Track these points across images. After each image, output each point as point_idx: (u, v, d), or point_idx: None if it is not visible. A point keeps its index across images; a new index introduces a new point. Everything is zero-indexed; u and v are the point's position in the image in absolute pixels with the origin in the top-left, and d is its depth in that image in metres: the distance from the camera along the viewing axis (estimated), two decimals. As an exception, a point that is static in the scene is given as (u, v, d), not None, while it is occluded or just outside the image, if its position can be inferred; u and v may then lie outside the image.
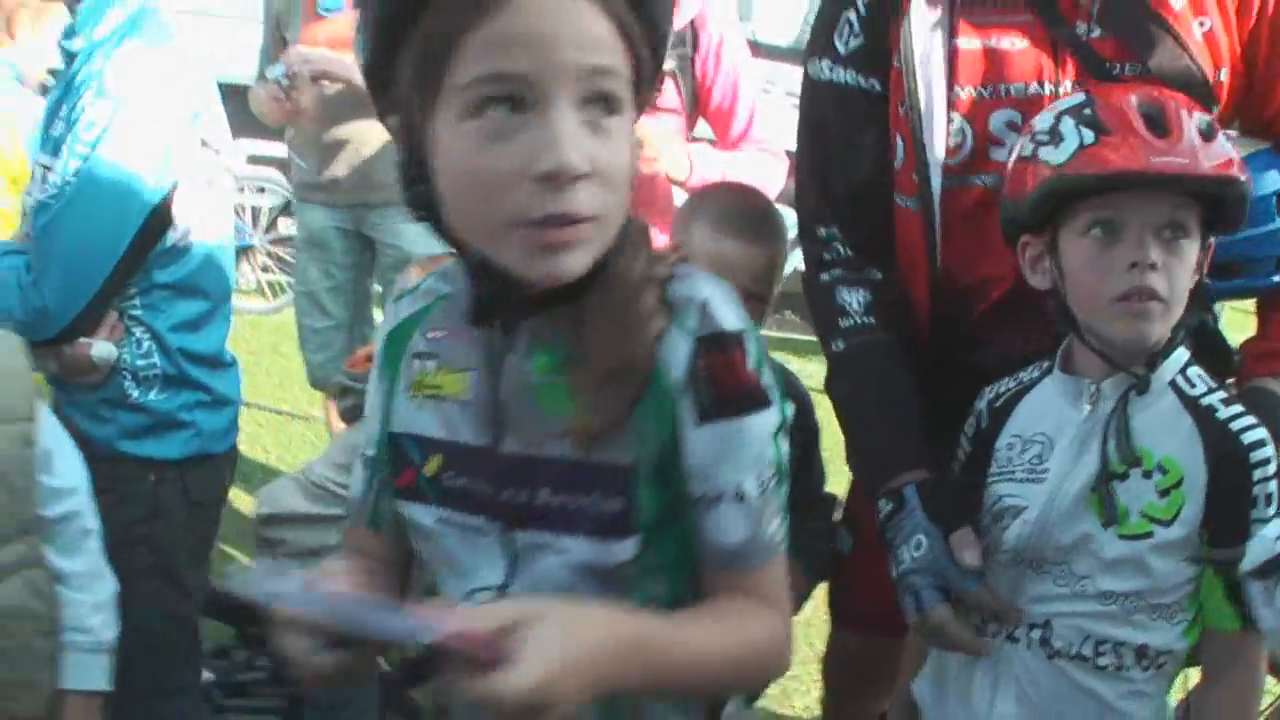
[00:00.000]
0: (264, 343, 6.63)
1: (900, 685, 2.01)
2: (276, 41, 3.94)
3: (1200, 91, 1.79)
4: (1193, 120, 1.60)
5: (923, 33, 1.89)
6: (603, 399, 1.17)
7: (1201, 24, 1.83)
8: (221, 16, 7.58)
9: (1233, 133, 1.82)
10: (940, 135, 1.90)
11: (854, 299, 1.98)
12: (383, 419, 1.32)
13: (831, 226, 2.04)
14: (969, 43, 1.89)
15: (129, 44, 2.29)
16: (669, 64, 2.87)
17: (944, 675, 1.83)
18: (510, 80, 1.07)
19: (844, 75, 1.98)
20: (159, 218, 2.30)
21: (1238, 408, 1.65)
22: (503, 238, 1.12)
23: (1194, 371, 1.68)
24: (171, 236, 2.38)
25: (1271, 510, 1.58)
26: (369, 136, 3.81)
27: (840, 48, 1.97)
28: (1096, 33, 1.85)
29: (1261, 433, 1.63)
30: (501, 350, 1.23)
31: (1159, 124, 1.59)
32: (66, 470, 2.05)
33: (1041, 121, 1.70)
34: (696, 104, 3.13)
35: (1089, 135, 1.61)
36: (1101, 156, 1.59)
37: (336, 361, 3.98)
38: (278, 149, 7.19)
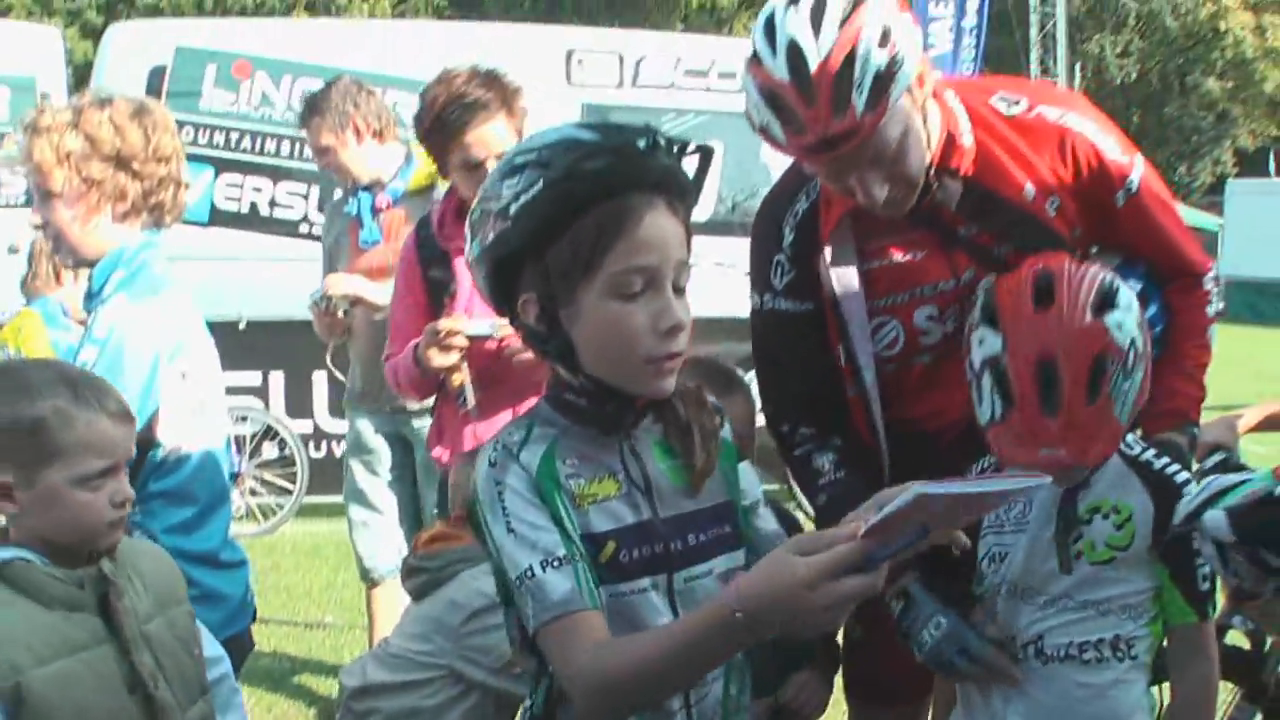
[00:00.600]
0: (264, 564, 6.95)
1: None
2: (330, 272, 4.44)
3: (1063, 248, 2.33)
4: (1085, 369, 2.11)
5: (839, 264, 2.43)
6: (704, 460, 1.79)
7: (1052, 203, 2.39)
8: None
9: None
10: (864, 340, 2.46)
11: (825, 460, 2.50)
12: (560, 528, 1.72)
13: (793, 422, 2.57)
14: (880, 262, 2.44)
15: (116, 298, 2.70)
16: None
17: (970, 705, 2.32)
18: (645, 270, 1.66)
19: (783, 304, 2.52)
20: (142, 439, 2.55)
21: (1166, 458, 2.22)
22: (634, 369, 1.71)
23: (1130, 437, 2.25)
24: (159, 453, 2.72)
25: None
26: None
27: (776, 283, 2.52)
28: (975, 229, 2.41)
29: (1185, 473, 2.21)
30: (628, 450, 1.80)
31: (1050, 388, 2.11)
32: (209, 640, 2.40)
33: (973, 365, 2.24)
34: None
35: (995, 408, 2.17)
36: (1004, 436, 2.17)
37: (386, 553, 4.45)
38: (253, 378, 7.75)
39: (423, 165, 4.15)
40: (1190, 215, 21.69)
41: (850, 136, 2.16)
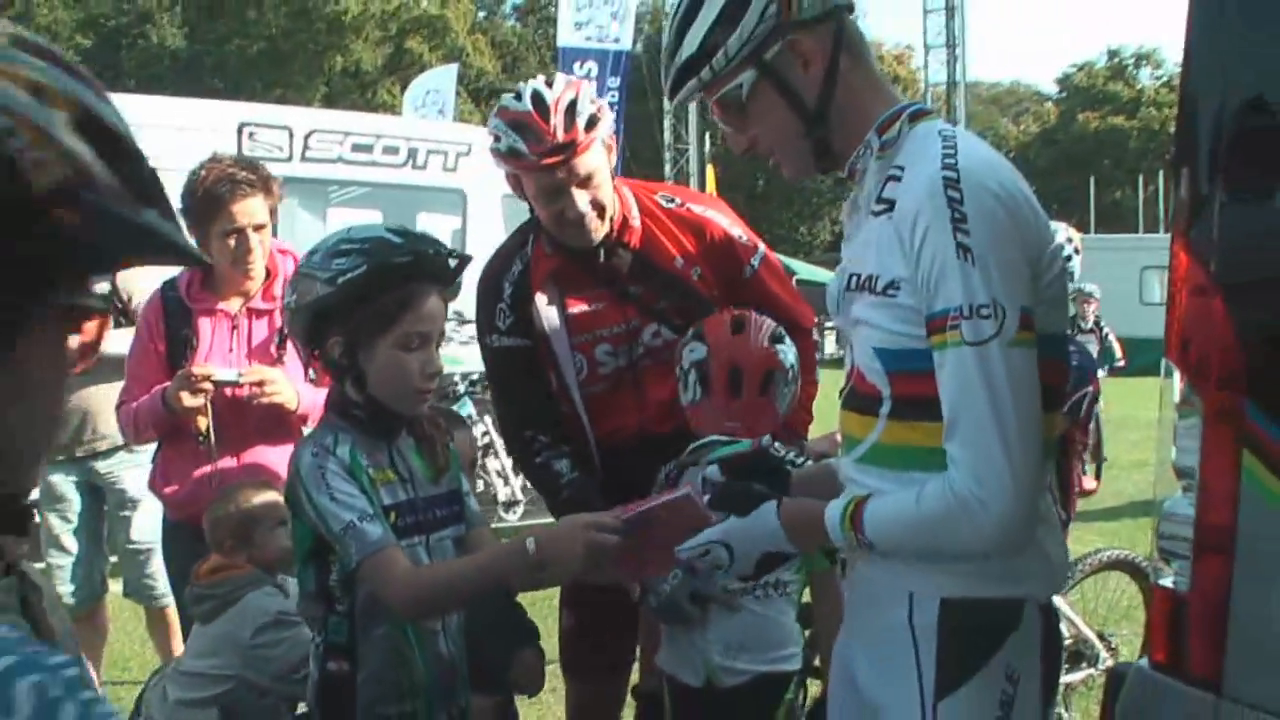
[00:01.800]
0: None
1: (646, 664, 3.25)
2: None
3: (706, 308, 3.17)
4: (757, 376, 3.00)
5: (546, 310, 3.22)
6: (445, 463, 2.68)
7: (695, 272, 3.24)
8: None
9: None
10: (569, 368, 3.24)
11: (562, 464, 3.23)
12: (367, 497, 2.50)
13: (532, 430, 3.28)
14: (572, 310, 3.23)
15: None
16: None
17: (676, 645, 3.08)
18: (422, 334, 2.50)
19: (507, 340, 3.28)
20: None
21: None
22: (406, 396, 2.57)
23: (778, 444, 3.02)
24: None
25: None
26: (93, 399, 4.78)
27: (501, 325, 3.29)
28: (641, 289, 3.23)
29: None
30: (393, 452, 2.62)
31: (735, 385, 2.98)
32: None
33: (681, 365, 3.08)
34: None
35: (698, 391, 3.04)
36: (699, 412, 3.04)
37: (82, 591, 5.07)
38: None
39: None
40: (810, 271, 23.45)
41: (572, 147, 3.00)
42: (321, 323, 2.54)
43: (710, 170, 23.12)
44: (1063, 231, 4.47)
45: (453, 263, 2.60)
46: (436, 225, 9.91)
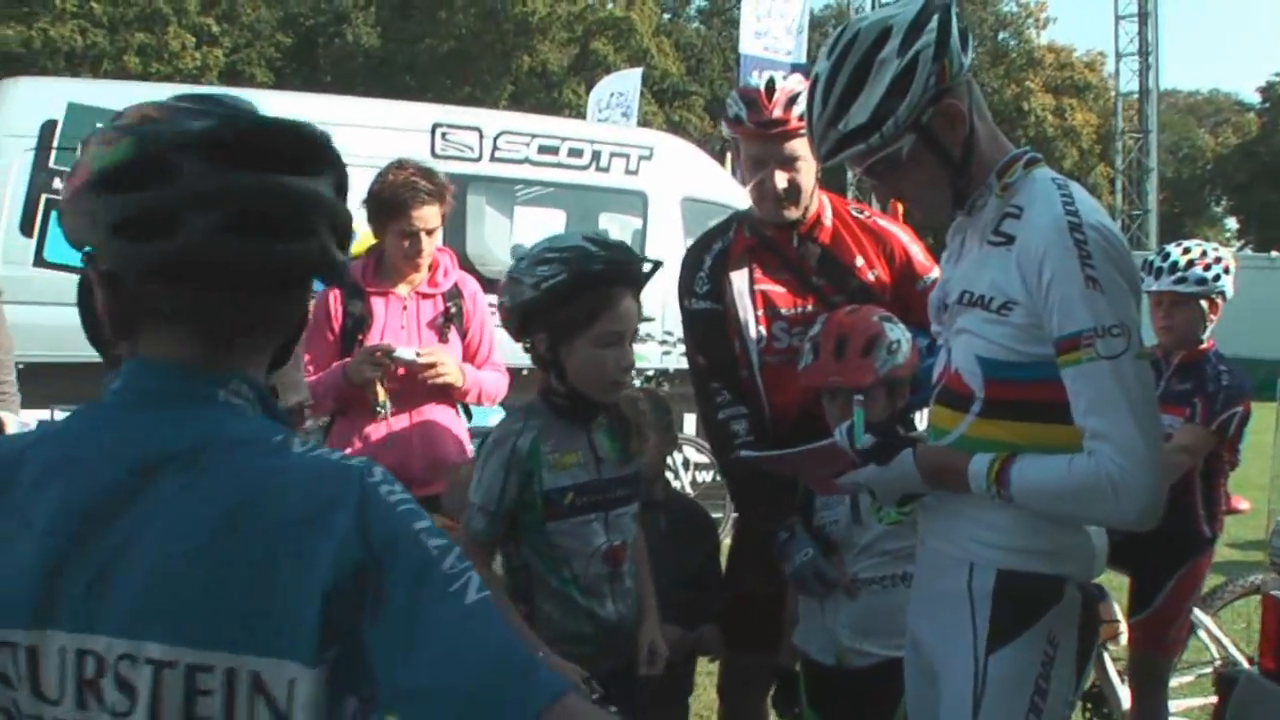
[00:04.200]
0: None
1: (784, 642, 3.52)
2: None
3: (878, 303, 3.46)
4: (860, 341, 3.24)
5: (739, 281, 3.57)
6: (637, 445, 2.99)
7: (873, 275, 3.57)
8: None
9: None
10: (753, 336, 3.54)
11: (740, 426, 3.54)
12: (508, 495, 2.93)
13: (716, 382, 3.61)
14: (763, 285, 3.58)
15: None
16: (453, 309, 4.43)
17: (810, 619, 3.39)
18: (617, 333, 2.80)
19: (702, 304, 3.64)
20: None
21: None
22: (604, 386, 2.87)
23: None
24: None
25: None
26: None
27: (698, 290, 3.64)
28: (823, 281, 3.57)
29: None
30: (587, 435, 2.95)
31: (841, 349, 3.26)
32: None
33: (805, 341, 3.38)
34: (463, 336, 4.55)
35: (810, 357, 3.32)
36: (808, 371, 3.30)
37: None
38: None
39: (361, 238, 4.99)
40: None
41: (782, 125, 3.40)
42: (528, 321, 2.95)
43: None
44: (1211, 251, 4.55)
45: (646, 267, 3.00)
46: (618, 226, 10.27)
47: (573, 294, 2.86)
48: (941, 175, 2.48)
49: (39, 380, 7.44)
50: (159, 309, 1.39)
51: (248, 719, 1.34)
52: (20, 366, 7.72)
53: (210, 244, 1.35)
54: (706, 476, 9.56)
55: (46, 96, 9.36)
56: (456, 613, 1.34)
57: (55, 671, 1.33)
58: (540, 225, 10.37)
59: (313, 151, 1.43)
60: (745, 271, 3.59)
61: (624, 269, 2.95)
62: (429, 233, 4.22)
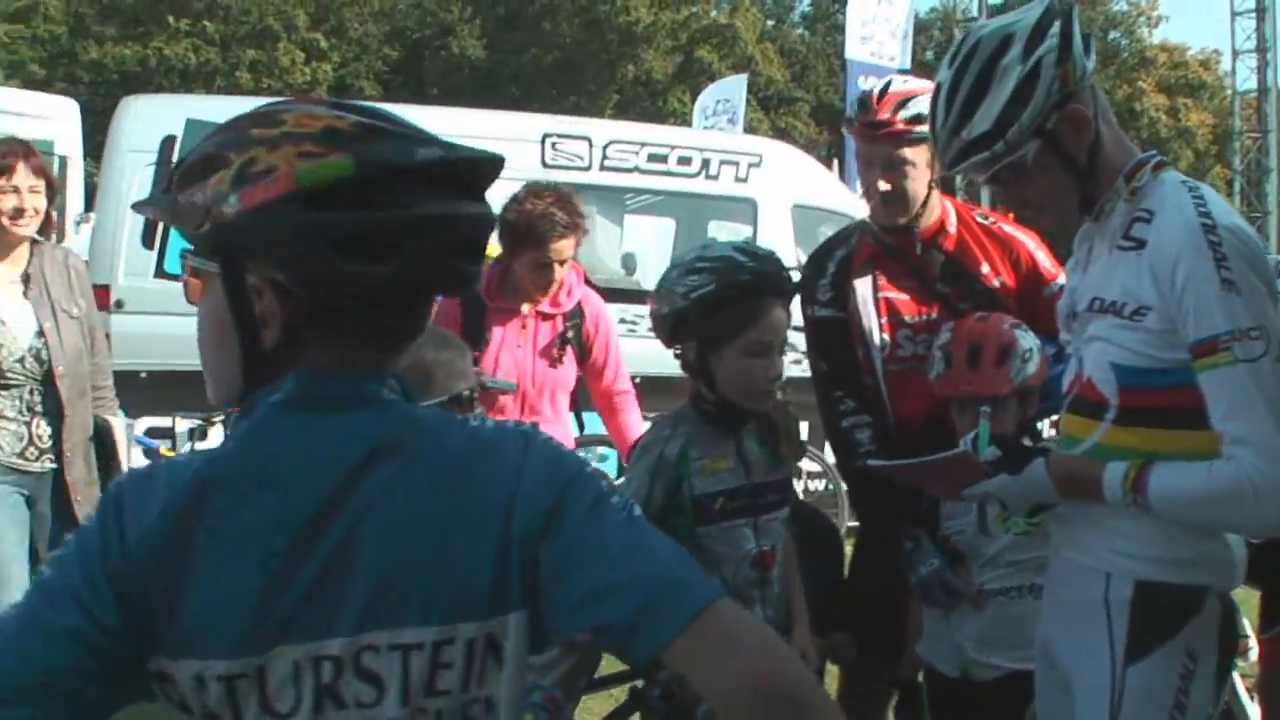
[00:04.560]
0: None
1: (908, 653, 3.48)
2: None
3: (1004, 310, 3.40)
4: (994, 349, 3.18)
5: (862, 289, 3.53)
6: (785, 450, 2.96)
7: (999, 282, 3.51)
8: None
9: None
10: (877, 344, 3.50)
11: (863, 435, 3.52)
12: (654, 501, 2.89)
13: (841, 391, 3.58)
14: (887, 292, 3.53)
15: None
16: (570, 332, 4.43)
17: (935, 631, 3.34)
18: (766, 343, 2.81)
19: (825, 312, 3.61)
20: None
21: None
22: (752, 395, 2.85)
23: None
24: None
25: None
26: None
27: (821, 298, 3.62)
28: (947, 288, 3.52)
29: None
30: (736, 442, 2.93)
31: (974, 358, 3.20)
32: None
33: (933, 349, 3.32)
34: (586, 357, 4.58)
35: (941, 366, 3.26)
36: (941, 381, 3.28)
37: None
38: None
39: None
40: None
41: (884, 127, 3.37)
42: (678, 330, 2.99)
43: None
44: None
45: (793, 275, 3.06)
46: (727, 233, 10.25)
47: (721, 304, 2.89)
48: (1067, 181, 2.46)
49: (162, 388, 7.63)
50: (338, 321, 1.42)
51: (479, 680, 1.44)
52: (143, 375, 7.96)
53: (427, 269, 1.40)
54: (819, 485, 9.51)
55: (165, 113, 9.58)
56: (627, 524, 1.45)
57: (288, 684, 1.36)
58: (650, 234, 10.43)
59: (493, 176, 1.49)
60: (869, 279, 3.56)
61: (773, 279, 2.97)
62: (562, 263, 4.25)
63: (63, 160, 11.29)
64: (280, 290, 1.40)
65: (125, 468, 4.43)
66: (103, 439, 4.39)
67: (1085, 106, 2.42)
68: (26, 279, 4.19)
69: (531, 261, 4.22)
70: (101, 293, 9.58)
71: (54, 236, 4.67)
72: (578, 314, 4.44)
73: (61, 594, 1.33)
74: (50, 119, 11.41)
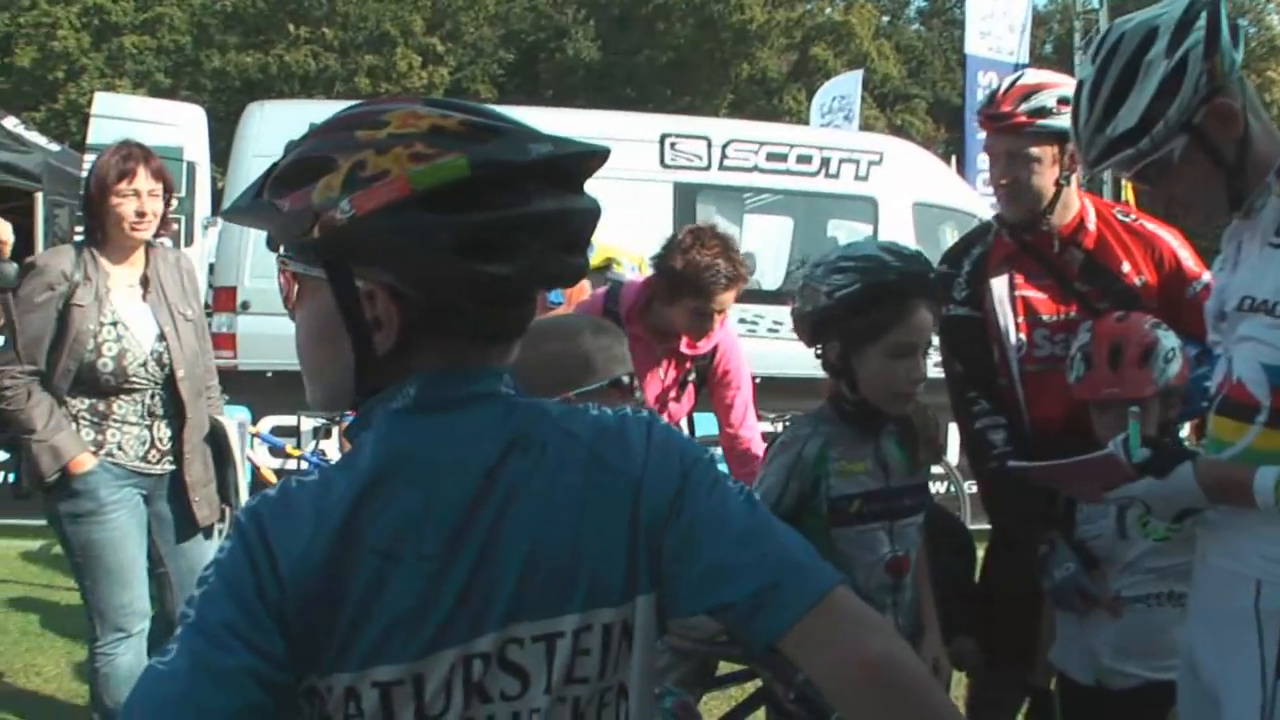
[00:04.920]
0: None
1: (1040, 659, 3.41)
2: None
3: (1145, 309, 3.29)
4: (1137, 351, 3.09)
5: (998, 288, 3.47)
6: (924, 454, 2.91)
7: (1140, 280, 3.41)
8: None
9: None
10: (1014, 344, 3.43)
11: (998, 437, 3.45)
12: (787, 499, 2.87)
13: (973, 391, 3.53)
14: (1024, 291, 3.47)
15: None
16: (692, 375, 4.38)
17: (1068, 636, 3.25)
18: (911, 344, 2.75)
19: (960, 311, 3.54)
20: None
21: None
22: (892, 399, 2.78)
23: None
24: None
25: None
26: None
27: (956, 296, 3.54)
28: (1086, 287, 3.44)
29: None
30: (875, 444, 2.89)
31: (1115, 359, 3.11)
32: None
33: (1072, 350, 3.24)
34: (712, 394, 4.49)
35: (1082, 368, 3.17)
36: (1082, 383, 3.16)
37: None
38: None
39: (599, 250, 5.03)
40: None
41: (1003, 120, 3.36)
42: (820, 329, 2.93)
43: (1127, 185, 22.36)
44: None
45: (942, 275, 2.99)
46: (847, 232, 10.20)
47: (866, 304, 2.82)
48: (1215, 177, 2.39)
49: (288, 387, 7.75)
50: (452, 321, 1.41)
51: (615, 666, 1.45)
52: (269, 374, 8.13)
53: (541, 265, 1.39)
54: (940, 488, 9.40)
55: (289, 118, 9.80)
56: (748, 507, 1.48)
57: (440, 687, 1.36)
58: (769, 233, 10.40)
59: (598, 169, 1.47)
60: (1005, 278, 3.49)
61: (919, 280, 2.89)
62: (720, 313, 4.16)
63: (190, 166, 11.58)
64: (394, 294, 1.38)
65: (240, 465, 4.52)
66: (216, 439, 4.44)
67: (1233, 100, 2.35)
68: (144, 282, 4.22)
69: (691, 310, 4.12)
70: (228, 294, 9.95)
71: (168, 239, 4.69)
72: (707, 356, 4.38)
73: (222, 633, 1.29)
74: (179, 126, 11.76)
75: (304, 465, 7.56)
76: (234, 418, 4.68)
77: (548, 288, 1.54)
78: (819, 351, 2.98)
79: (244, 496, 4.59)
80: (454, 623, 1.36)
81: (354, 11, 40.67)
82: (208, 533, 4.41)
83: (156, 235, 4.26)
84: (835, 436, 2.95)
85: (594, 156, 1.42)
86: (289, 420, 7.96)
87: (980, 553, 3.82)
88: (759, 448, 4.41)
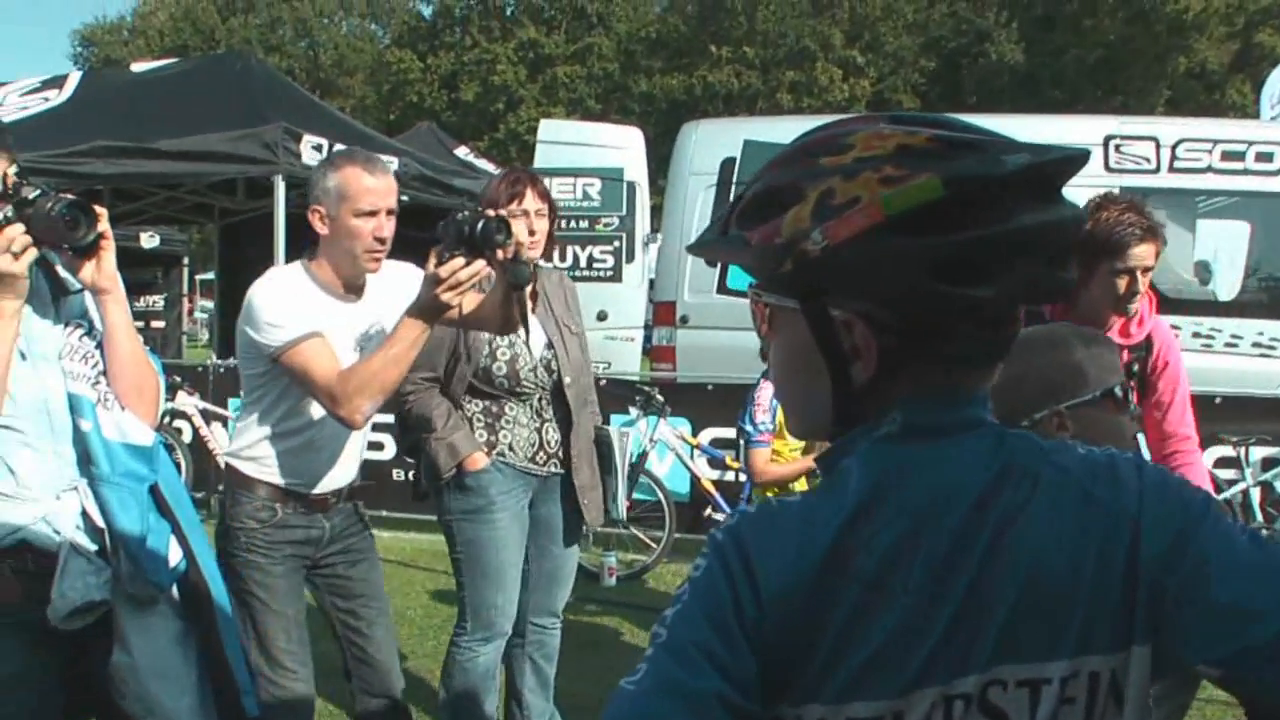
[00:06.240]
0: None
1: None
2: None
3: None
4: None
5: None
6: None
7: None
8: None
9: None
10: None
11: None
12: None
13: None
14: None
15: None
16: (1134, 366, 4.03)
17: None
18: None
19: None
20: None
21: None
22: None
23: None
24: None
25: None
26: None
27: None
28: None
29: None
30: None
31: None
32: None
33: None
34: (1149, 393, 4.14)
35: None
36: None
37: None
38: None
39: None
40: None
41: None
42: None
43: None
44: None
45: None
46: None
47: None
48: None
49: (726, 400, 7.94)
50: (935, 347, 1.35)
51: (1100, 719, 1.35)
52: (709, 387, 8.36)
53: (1027, 282, 1.31)
54: None
55: (724, 137, 10.08)
56: (1255, 543, 1.33)
57: None
58: (1224, 239, 9.77)
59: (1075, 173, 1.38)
60: None
61: None
62: (1145, 271, 3.94)
63: (631, 185, 12.08)
64: (871, 322, 1.33)
65: (622, 475, 4.74)
66: (600, 447, 4.65)
67: None
68: (534, 297, 4.48)
69: (1110, 277, 3.92)
70: (667, 309, 10.30)
71: (554, 258, 5.00)
72: (1145, 346, 4.11)
73: (695, 655, 1.28)
74: (621, 148, 12.29)
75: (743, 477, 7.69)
76: (618, 429, 4.87)
77: (1037, 304, 1.46)
78: None
79: (623, 506, 4.86)
80: (937, 660, 1.30)
81: (773, 29, 41.40)
82: (570, 539, 4.64)
83: (545, 257, 4.49)
84: None
85: (1074, 161, 1.32)
86: (728, 433, 8.11)
87: None
88: (1198, 462, 4.12)
